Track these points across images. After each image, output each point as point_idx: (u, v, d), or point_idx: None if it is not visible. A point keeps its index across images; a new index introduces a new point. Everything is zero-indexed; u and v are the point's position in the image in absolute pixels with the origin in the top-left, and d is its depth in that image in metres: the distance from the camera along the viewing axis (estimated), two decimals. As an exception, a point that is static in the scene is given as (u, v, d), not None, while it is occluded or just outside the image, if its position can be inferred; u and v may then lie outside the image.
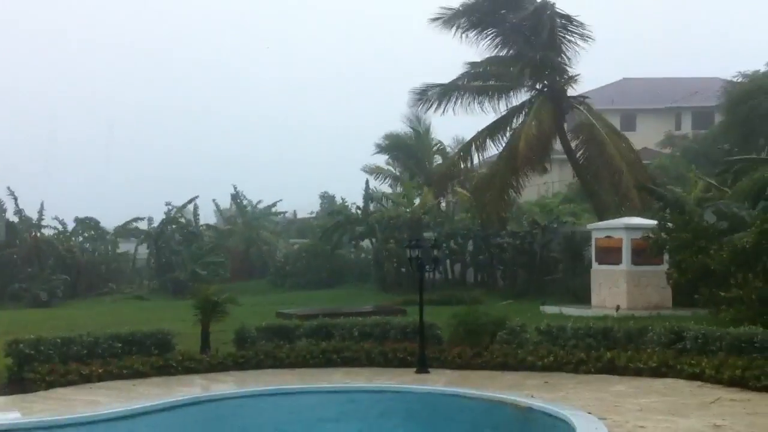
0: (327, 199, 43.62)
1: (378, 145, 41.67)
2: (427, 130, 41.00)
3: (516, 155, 28.44)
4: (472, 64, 30.56)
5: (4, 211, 39.25)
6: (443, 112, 31.07)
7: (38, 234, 39.27)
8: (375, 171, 40.91)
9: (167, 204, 41.57)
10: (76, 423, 11.46)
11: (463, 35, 29.99)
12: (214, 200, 47.91)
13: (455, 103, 30.61)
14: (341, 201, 41.54)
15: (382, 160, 42.50)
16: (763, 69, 37.51)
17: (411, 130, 41.32)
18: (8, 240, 38.08)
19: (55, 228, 40.74)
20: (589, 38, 28.83)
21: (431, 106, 31.02)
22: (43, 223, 39.86)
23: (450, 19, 30.00)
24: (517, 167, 29.14)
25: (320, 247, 37.56)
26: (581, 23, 28.79)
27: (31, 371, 14.10)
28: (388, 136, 41.76)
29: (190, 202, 42.15)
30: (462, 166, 32.16)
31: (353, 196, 40.10)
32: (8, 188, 39.17)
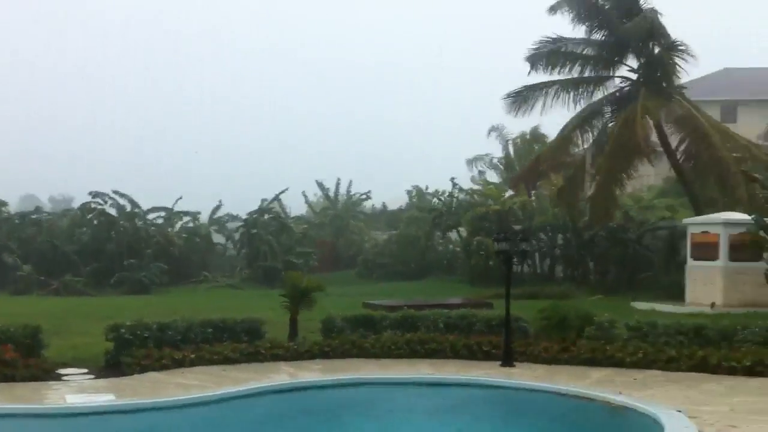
0: (416, 191, 43.89)
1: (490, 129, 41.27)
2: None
3: (625, 146, 27.40)
4: (568, 50, 29.89)
5: (106, 203, 40.76)
6: (542, 111, 30.56)
7: (143, 223, 40.73)
8: (476, 159, 41.37)
9: (266, 199, 42.66)
10: (169, 406, 11.85)
11: (569, 18, 29.72)
12: (303, 192, 48.76)
13: (553, 98, 30.04)
14: (431, 193, 41.55)
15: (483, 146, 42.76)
16: None
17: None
18: (109, 231, 39.53)
19: (152, 219, 42.16)
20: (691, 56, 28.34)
21: (528, 108, 30.44)
22: (140, 213, 41.31)
23: (557, 6, 29.78)
24: (630, 158, 28.09)
25: (410, 238, 37.66)
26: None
27: (128, 355, 14.60)
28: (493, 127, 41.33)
29: (280, 194, 43.03)
30: (557, 156, 31.47)
31: (441, 188, 40.02)
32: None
